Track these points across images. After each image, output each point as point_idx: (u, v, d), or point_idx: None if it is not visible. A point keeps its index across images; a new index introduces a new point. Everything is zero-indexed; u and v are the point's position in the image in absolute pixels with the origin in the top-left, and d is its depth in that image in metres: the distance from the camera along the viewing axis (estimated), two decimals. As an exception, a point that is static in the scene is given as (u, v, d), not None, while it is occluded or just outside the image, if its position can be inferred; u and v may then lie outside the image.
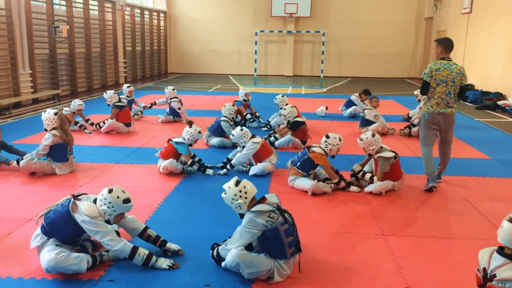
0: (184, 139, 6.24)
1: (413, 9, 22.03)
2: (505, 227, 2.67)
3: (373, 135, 5.62)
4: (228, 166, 6.24)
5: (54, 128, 6.05)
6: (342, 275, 3.60)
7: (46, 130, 6.12)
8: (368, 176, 5.61)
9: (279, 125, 8.95)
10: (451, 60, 5.54)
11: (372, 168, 5.81)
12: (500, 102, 12.59)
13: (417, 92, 10.19)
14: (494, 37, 14.15)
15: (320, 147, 5.62)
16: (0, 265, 3.66)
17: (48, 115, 6.08)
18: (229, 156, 6.59)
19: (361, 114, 9.24)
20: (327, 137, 5.62)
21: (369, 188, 5.51)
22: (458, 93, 5.57)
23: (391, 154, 5.49)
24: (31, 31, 12.15)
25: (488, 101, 12.83)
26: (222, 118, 7.98)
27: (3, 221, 4.53)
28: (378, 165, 5.54)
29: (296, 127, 7.80)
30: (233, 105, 8.39)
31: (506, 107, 12.15)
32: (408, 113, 10.54)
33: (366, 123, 8.99)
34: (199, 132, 6.25)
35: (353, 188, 5.55)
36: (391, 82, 20.73)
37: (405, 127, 8.96)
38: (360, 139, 5.66)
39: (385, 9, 21.99)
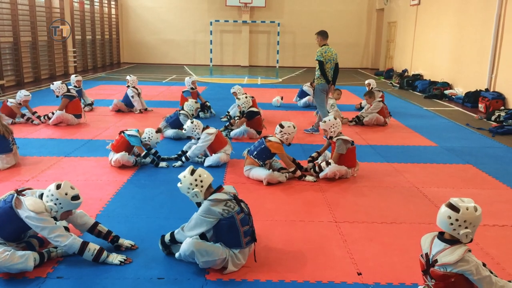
0: (138, 132, 6.10)
1: (365, 1, 22.49)
2: (441, 212, 2.77)
3: (335, 118, 5.79)
4: (183, 158, 6.17)
5: None
6: (296, 263, 3.65)
7: None
8: (323, 164, 5.72)
9: (235, 118, 8.93)
10: (329, 46, 7.99)
11: (327, 158, 5.92)
12: (447, 92, 13.12)
13: (368, 81, 10.44)
14: (441, 29, 14.69)
15: (276, 136, 5.67)
16: None
17: None
18: (184, 148, 6.51)
19: None
20: (281, 126, 5.67)
21: (324, 172, 5.62)
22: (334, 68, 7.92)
23: (349, 139, 5.72)
24: (-29, 17, 11.44)
25: (435, 91, 13.33)
26: (182, 112, 7.87)
27: None
28: (335, 148, 5.66)
29: (251, 116, 7.81)
30: (196, 102, 8.29)
31: (453, 96, 12.69)
32: (361, 103, 10.79)
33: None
34: (157, 143, 6.22)
35: (309, 178, 5.64)
36: (344, 72, 21.08)
37: (352, 119, 9.13)
38: (323, 121, 5.79)
39: (338, 0, 22.32)
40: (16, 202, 3.38)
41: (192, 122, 6.20)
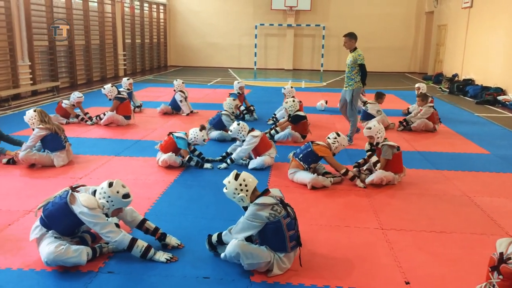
0: (186, 135, 6.24)
1: (414, 3, 21.93)
2: None
3: (379, 123, 5.73)
4: (228, 161, 6.24)
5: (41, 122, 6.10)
6: (342, 269, 3.60)
7: (33, 129, 6.16)
8: (374, 159, 5.65)
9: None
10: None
11: (371, 165, 5.82)
12: (500, 97, 12.57)
13: (418, 85, 10.18)
14: (494, 32, 14.10)
15: (325, 141, 5.64)
16: (0, 256, 3.66)
17: (28, 115, 6.17)
18: (228, 150, 6.58)
19: (363, 108, 9.24)
20: (338, 135, 5.65)
21: (370, 178, 5.52)
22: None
23: (395, 144, 5.62)
24: (30, 22, 12.08)
25: (488, 96, 12.80)
26: (223, 112, 7.98)
27: (2, 213, 4.53)
28: (381, 153, 5.57)
29: (297, 121, 7.79)
30: (234, 100, 8.38)
31: (506, 102, 12.13)
32: (408, 108, 10.52)
33: (367, 117, 8.99)
34: (204, 140, 6.31)
35: (359, 184, 5.54)
36: (391, 76, 20.69)
37: (400, 122, 8.91)
38: (368, 128, 5.71)
39: (386, 3, 21.91)
40: (71, 198, 3.53)
41: (238, 124, 6.25)
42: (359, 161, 5.96)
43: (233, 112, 8.14)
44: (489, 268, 2.89)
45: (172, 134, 6.26)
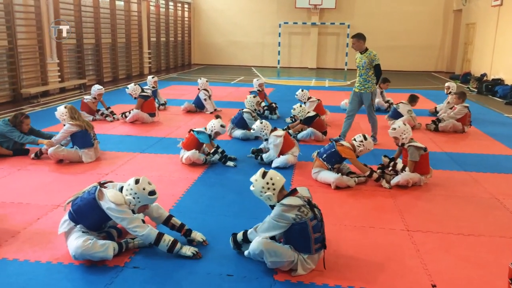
0: (205, 129, 6.28)
1: (441, 1, 21.49)
2: None
3: (404, 124, 5.61)
4: (259, 159, 6.32)
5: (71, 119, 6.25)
6: (366, 270, 3.56)
7: (64, 125, 6.32)
8: (399, 166, 5.55)
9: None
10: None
11: (397, 166, 5.73)
12: (531, 98, 12.21)
13: (448, 84, 9.99)
14: (526, 31, 13.70)
15: (350, 143, 5.58)
16: (29, 249, 3.76)
17: (59, 111, 6.32)
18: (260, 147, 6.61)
19: (394, 106, 9.15)
20: (365, 138, 5.57)
21: (396, 179, 5.44)
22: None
23: (421, 145, 5.50)
24: (59, 21, 12.34)
25: (518, 97, 12.46)
26: (244, 110, 7.99)
27: (32, 207, 4.65)
28: (408, 155, 5.48)
29: (309, 122, 7.75)
30: (254, 97, 8.38)
31: (537, 103, 11.78)
32: (435, 107, 10.33)
33: (396, 115, 8.89)
34: (222, 126, 6.29)
35: (385, 185, 5.47)
36: (417, 75, 20.35)
37: (432, 121, 8.77)
38: (392, 129, 5.62)
39: (413, 0, 21.53)
40: (99, 194, 3.59)
41: (261, 123, 6.25)
42: (383, 161, 5.89)
43: (254, 109, 8.14)
44: (509, 280, 2.80)
45: (193, 131, 6.31)
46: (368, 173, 5.48)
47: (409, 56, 22.01)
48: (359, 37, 7.12)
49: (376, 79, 7.22)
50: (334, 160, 5.56)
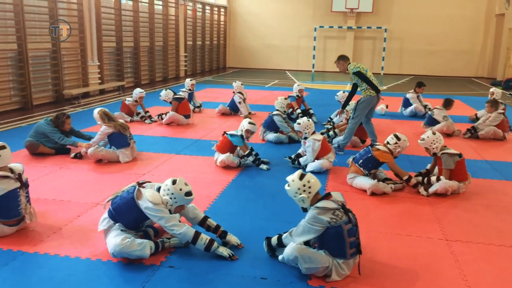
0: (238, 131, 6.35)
1: (483, 5, 20.86)
2: None
3: (434, 133, 5.46)
4: (296, 163, 6.31)
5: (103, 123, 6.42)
6: (403, 279, 3.49)
7: (101, 126, 6.52)
8: (433, 178, 5.40)
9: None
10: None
11: (435, 174, 5.59)
12: None
13: (493, 89, 9.69)
14: None
15: (385, 145, 5.48)
16: (70, 245, 3.88)
17: (96, 114, 6.52)
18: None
19: (429, 113, 8.95)
20: (398, 138, 5.46)
21: (434, 187, 5.30)
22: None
23: (455, 151, 5.36)
24: (100, 25, 12.74)
25: None
26: (275, 112, 7.99)
27: (72, 204, 4.80)
28: (442, 164, 5.34)
29: None
30: (285, 99, 8.38)
31: None
32: (476, 114, 10.03)
33: (432, 122, 8.69)
34: (251, 123, 6.29)
35: (422, 192, 5.34)
36: (457, 81, 19.80)
37: (467, 130, 8.49)
38: (421, 139, 5.51)
39: (453, 4, 21.00)
40: (137, 194, 3.68)
41: (308, 120, 6.24)
42: (421, 171, 5.74)
43: (284, 111, 8.12)
44: None
45: (226, 134, 6.35)
46: (406, 177, 5.37)
47: (448, 61, 21.46)
48: (339, 59, 7.29)
49: (368, 86, 7.08)
50: (370, 166, 5.47)
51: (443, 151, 5.37)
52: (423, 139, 5.47)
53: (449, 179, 5.32)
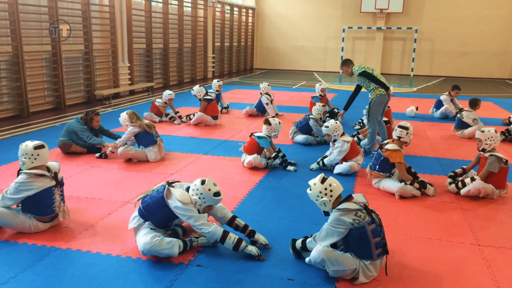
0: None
1: (518, 4, 20.27)
2: None
3: (495, 131, 5.33)
4: (321, 163, 6.27)
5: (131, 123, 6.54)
6: (433, 283, 3.42)
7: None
8: (467, 180, 5.28)
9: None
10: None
11: (470, 175, 5.46)
12: None
13: None
14: None
15: (393, 141, 5.40)
16: (101, 242, 3.98)
17: (122, 117, 6.66)
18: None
19: (459, 116, 8.74)
20: (405, 128, 5.39)
21: (467, 188, 5.18)
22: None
23: (504, 157, 5.22)
24: (131, 26, 13.00)
25: None
26: (311, 116, 7.97)
27: (103, 202, 4.92)
28: (486, 164, 5.20)
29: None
30: (323, 106, 8.34)
31: None
32: (510, 117, 9.73)
33: (462, 125, 8.49)
34: (278, 124, 6.34)
35: (429, 191, 5.25)
36: (490, 82, 19.28)
37: (502, 132, 8.24)
38: (481, 131, 5.36)
39: (486, 4, 20.45)
40: (167, 193, 3.74)
41: (336, 123, 6.21)
42: (457, 170, 5.62)
43: (320, 118, 8.09)
44: None
45: (254, 135, 6.38)
46: (409, 182, 5.28)
47: (481, 62, 20.92)
48: (342, 65, 7.31)
49: (377, 84, 6.89)
50: (388, 167, 5.41)
51: (492, 153, 5.24)
52: (483, 131, 5.33)
53: (485, 182, 5.18)
